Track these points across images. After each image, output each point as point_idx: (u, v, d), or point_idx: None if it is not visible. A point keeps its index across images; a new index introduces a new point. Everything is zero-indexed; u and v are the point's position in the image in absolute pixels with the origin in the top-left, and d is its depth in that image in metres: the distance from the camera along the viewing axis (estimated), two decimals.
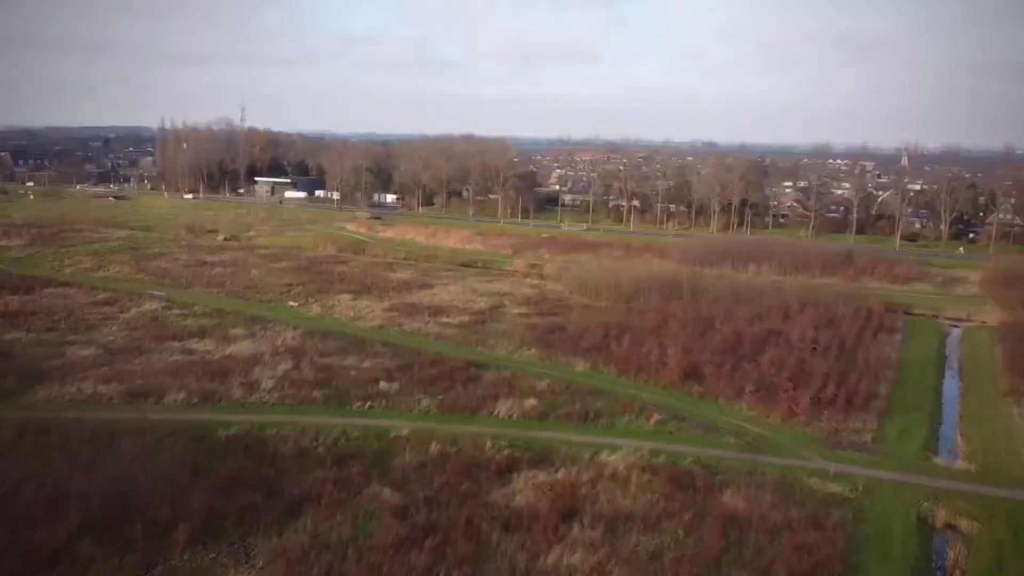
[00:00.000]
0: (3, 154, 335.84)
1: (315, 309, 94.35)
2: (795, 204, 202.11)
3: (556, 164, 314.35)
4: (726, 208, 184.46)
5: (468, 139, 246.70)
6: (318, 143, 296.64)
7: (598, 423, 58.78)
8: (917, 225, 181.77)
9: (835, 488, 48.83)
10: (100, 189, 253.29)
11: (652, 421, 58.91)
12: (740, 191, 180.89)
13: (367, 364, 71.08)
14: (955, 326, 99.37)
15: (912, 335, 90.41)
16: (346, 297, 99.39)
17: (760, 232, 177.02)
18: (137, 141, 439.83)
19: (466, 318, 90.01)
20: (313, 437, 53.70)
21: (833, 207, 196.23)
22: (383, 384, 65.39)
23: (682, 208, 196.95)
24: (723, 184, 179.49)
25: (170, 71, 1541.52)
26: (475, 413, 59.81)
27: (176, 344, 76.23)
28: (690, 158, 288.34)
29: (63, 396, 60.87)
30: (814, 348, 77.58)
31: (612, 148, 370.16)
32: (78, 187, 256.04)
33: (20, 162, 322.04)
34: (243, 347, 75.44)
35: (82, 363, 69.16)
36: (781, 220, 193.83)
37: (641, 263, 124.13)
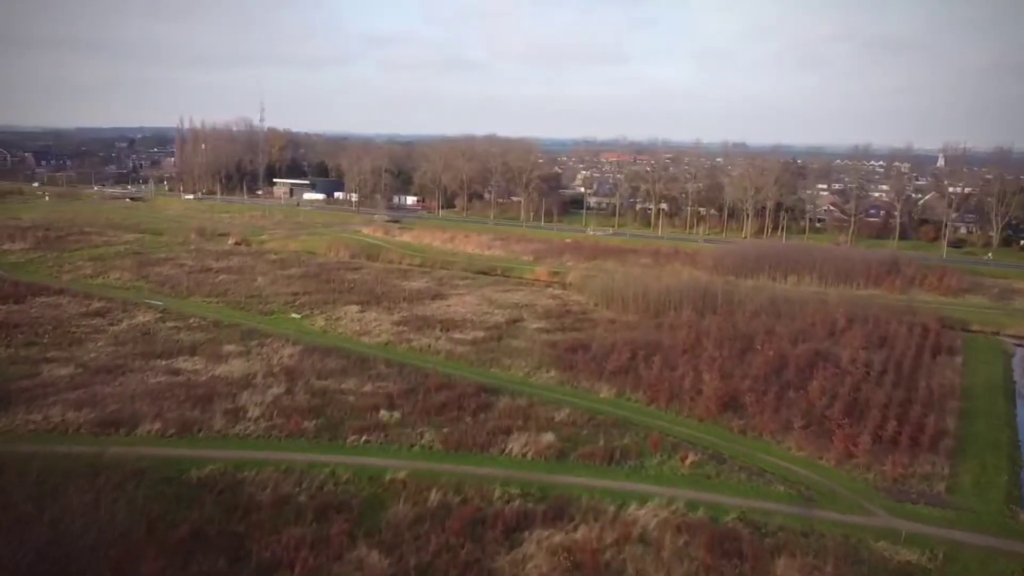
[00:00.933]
0: (26, 154, 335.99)
1: (319, 322, 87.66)
2: (832, 207, 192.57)
3: (581, 165, 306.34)
4: (759, 212, 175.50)
5: (491, 139, 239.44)
6: (338, 143, 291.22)
7: (625, 464, 51.14)
8: (963, 230, 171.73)
9: (909, 555, 40.85)
10: (117, 190, 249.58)
11: (687, 463, 51.18)
12: (774, 194, 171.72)
13: (367, 388, 64.09)
14: (1019, 345, 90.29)
15: (973, 356, 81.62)
16: (353, 309, 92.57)
17: (796, 237, 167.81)
18: (162, 142, 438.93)
19: (480, 333, 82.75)
20: (296, 480, 46.76)
21: (873, 211, 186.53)
22: (383, 413, 58.33)
23: (712, 211, 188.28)
24: (757, 186, 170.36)
25: (198, 72, 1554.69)
26: (484, 450, 52.48)
27: (162, 363, 69.78)
28: (719, 159, 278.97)
29: (26, 424, 54.62)
30: (867, 373, 69.28)
31: (638, 149, 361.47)
32: (95, 188, 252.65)
33: (43, 162, 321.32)
34: (234, 367, 68.84)
35: (56, 385, 62.97)
36: (817, 224, 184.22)
37: (671, 272, 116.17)
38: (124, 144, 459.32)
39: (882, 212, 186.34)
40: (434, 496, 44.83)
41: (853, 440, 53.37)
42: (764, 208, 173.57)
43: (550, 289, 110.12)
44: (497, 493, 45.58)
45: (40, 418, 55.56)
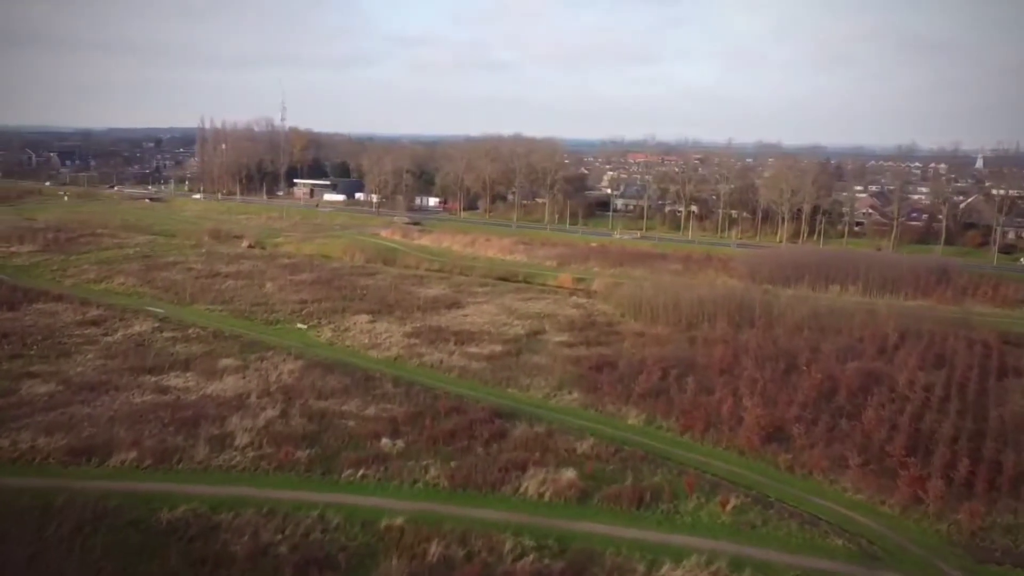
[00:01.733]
0: (51, 155, 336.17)
1: (326, 333, 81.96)
2: (871, 211, 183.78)
3: (608, 166, 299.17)
4: (795, 215, 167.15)
5: (515, 139, 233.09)
6: (360, 144, 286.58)
7: (656, 509, 44.54)
8: (1011, 235, 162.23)
9: None
10: (137, 191, 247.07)
11: (728, 507, 44.47)
12: (811, 196, 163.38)
13: (370, 411, 58.11)
14: None
15: None
16: (364, 319, 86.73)
17: (834, 242, 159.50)
18: (188, 142, 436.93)
19: (497, 347, 76.46)
20: (279, 526, 40.91)
21: (914, 214, 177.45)
22: (385, 442, 52.29)
23: (745, 214, 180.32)
24: (793, 188, 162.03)
25: (229, 73, 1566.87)
26: (495, 489, 46.19)
27: (151, 379, 64.37)
28: (749, 159, 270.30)
29: None
30: (927, 398, 61.96)
31: (666, 150, 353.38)
32: (116, 188, 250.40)
33: (67, 163, 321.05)
34: (228, 384, 63.24)
35: (32, 404, 57.85)
36: (856, 228, 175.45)
37: (703, 280, 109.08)
38: (151, 144, 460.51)
39: (924, 216, 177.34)
40: (435, 549, 38.68)
41: (920, 482, 46.33)
42: (800, 211, 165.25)
43: (574, 297, 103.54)
44: (508, 545, 39.31)
45: (7, 443, 50.38)
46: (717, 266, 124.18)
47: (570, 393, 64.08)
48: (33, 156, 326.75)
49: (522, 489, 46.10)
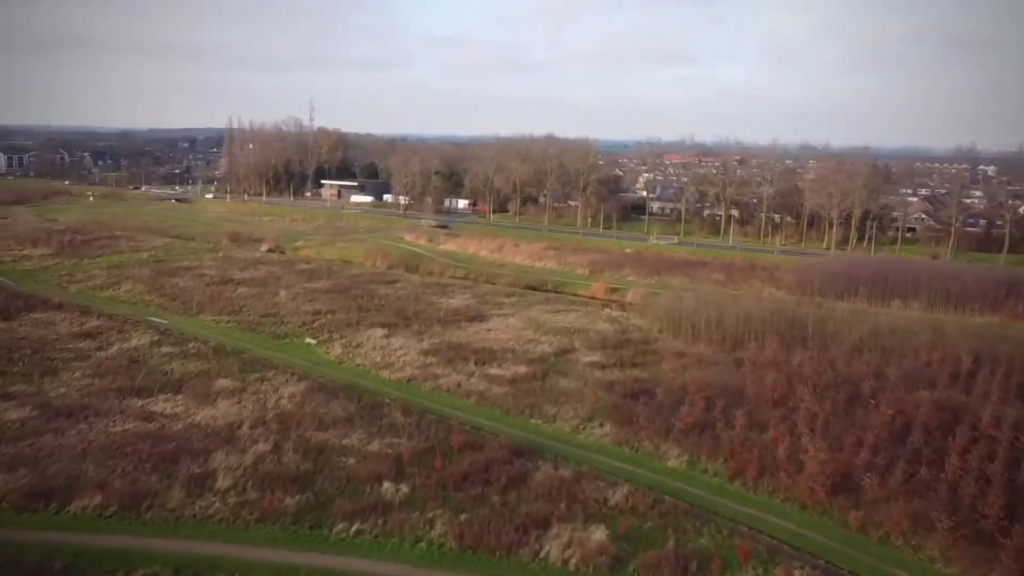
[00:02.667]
0: (84, 155, 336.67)
1: (335, 350, 75.44)
2: (923, 216, 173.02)
3: (643, 167, 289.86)
4: (844, 220, 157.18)
5: (547, 139, 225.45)
6: (389, 144, 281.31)
7: None
8: None
9: None
10: (165, 191, 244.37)
11: None
12: (862, 200, 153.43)
13: (374, 446, 51.31)
14: None
15: None
16: (378, 333, 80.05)
17: (885, 249, 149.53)
18: (221, 143, 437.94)
19: (522, 368, 69.19)
20: None
21: (970, 219, 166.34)
22: (387, 486, 45.38)
23: (789, 219, 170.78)
24: (843, 191, 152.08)
25: (266, 74, 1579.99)
26: (512, 552, 38.97)
27: (138, 404, 58.29)
28: (789, 161, 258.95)
29: None
30: (1016, 438, 53.37)
31: (703, 151, 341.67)
32: (143, 189, 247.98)
33: (99, 163, 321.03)
34: (221, 411, 56.89)
35: (2, 433, 51.92)
36: (908, 235, 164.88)
37: (748, 292, 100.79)
38: (186, 144, 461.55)
39: (982, 221, 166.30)
40: None
41: None
42: (849, 216, 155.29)
43: (607, 310, 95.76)
44: None
45: None
46: (762, 275, 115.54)
47: (601, 426, 56.62)
48: (66, 156, 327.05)
49: (542, 553, 38.87)
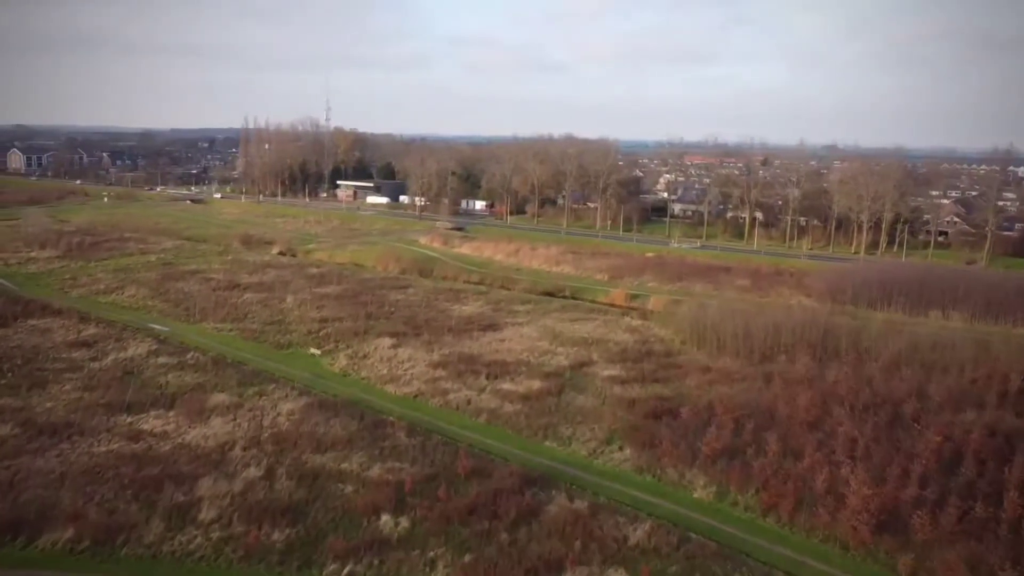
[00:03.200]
0: (103, 155, 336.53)
1: (340, 361, 71.69)
2: (955, 219, 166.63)
3: (664, 168, 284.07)
4: (875, 223, 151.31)
5: (566, 139, 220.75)
6: (406, 144, 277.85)
7: None
8: None
9: None
10: (181, 191, 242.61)
11: None
12: (893, 203, 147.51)
13: (374, 471, 47.40)
14: None
15: None
16: (386, 343, 76.21)
17: (917, 254, 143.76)
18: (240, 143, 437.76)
19: (536, 383, 65.00)
20: None
21: (1006, 223, 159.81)
22: (385, 519, 41.50)
23: (815, 222, 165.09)
24: (874, 193, 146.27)
25: (288, 74, 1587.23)
26: None
27: (126, 421, 54.85)
28: (813, 162, 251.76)
29: None
30: None
31: (725, 151, 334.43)
32: (158, 189, 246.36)
33: (117, 163, 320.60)
34: (213, 430, 53.26)
35: None
36: (939, 239, 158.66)
37: (776, 300, 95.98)
38: (206, 144, 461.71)
39: (1017, 225, 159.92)
40: None
41: None
42: (879, 219, 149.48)
43: (627, 318, 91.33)
44: None
45: None
46: (789, 282, 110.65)
47: (621, 450, 52.35)
48: (84, 156, 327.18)
49: None
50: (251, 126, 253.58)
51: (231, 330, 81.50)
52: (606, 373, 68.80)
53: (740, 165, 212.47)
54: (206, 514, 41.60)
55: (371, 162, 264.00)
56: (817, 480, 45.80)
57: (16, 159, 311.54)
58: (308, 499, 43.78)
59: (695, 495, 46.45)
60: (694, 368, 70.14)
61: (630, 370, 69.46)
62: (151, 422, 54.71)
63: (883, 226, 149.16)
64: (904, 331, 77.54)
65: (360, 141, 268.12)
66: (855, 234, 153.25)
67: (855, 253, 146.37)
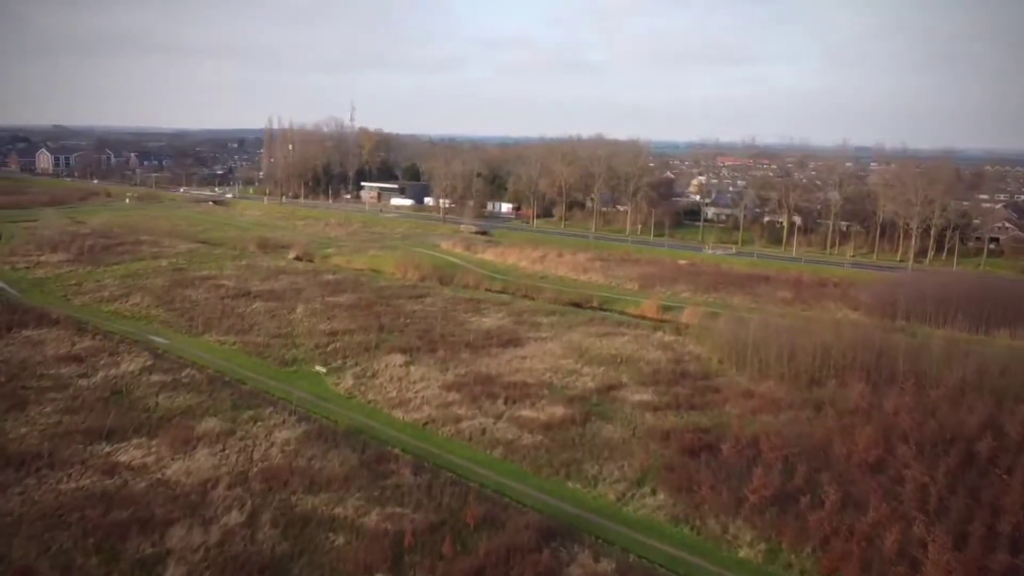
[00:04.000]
0: (131, 155, 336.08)
1: (347, 381, 66.03)
2: (1007, 225, 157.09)
3: (696, 170, 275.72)
4: (924, 230, 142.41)
5: (596, 140, 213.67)
6: (432, 145, 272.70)
7: None
8: None
9: None
10: (204, 192, 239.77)
11: None
12: (943, 208, 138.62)
13: (372, 517, 41.51)
14: None
15: None
16: (397, 360, 70.48)
17: (968, 263, 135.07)
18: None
19: (559, 410, 58.71)
20: None
21: None
22: None
23: (858, 228, 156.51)
24: (925, 198, 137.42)
25: (320, 75, 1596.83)
26: None
27: (104, 450, 49.65)
28: (849, 164, 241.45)
29: None
30: None
31: (758, 152, 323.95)
32: (181, 190, 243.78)
33: (143, 163, 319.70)
34: (197, 463, 47.81)
35: None
36: (991, 247, 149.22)
37: (822, 313, 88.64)
38: (234, 144, 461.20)
39: None
40: None
41: None
42: (929, 226, 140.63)
43: (659, 333, 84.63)
44: None
45: None
46: (834, 293, 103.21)
47: (654, 493, 45.96)
48: (111, 156, 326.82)
49: None
50: (275, 126, 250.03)
51: (234, 343, 76.30)
52: (636, 398, 62.34)
53: (775, 167, 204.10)
54: (173, 571, 36.07)
55: (396, 163, 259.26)
56: (886, 539, 39.03)
57: (44, 159, 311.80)
58: (292, 553, 38.07)
59: (741, 554, 39.92)
60: (734, 393, 63.43)
61: (663, 394, 62.92)
62: (131, 452, 49.40)
63: (932, 232, 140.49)
64: (968, 352, 69.89)
65: (385, 142, 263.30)
66: (900, 241, 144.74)
67: (901, 261, 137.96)
